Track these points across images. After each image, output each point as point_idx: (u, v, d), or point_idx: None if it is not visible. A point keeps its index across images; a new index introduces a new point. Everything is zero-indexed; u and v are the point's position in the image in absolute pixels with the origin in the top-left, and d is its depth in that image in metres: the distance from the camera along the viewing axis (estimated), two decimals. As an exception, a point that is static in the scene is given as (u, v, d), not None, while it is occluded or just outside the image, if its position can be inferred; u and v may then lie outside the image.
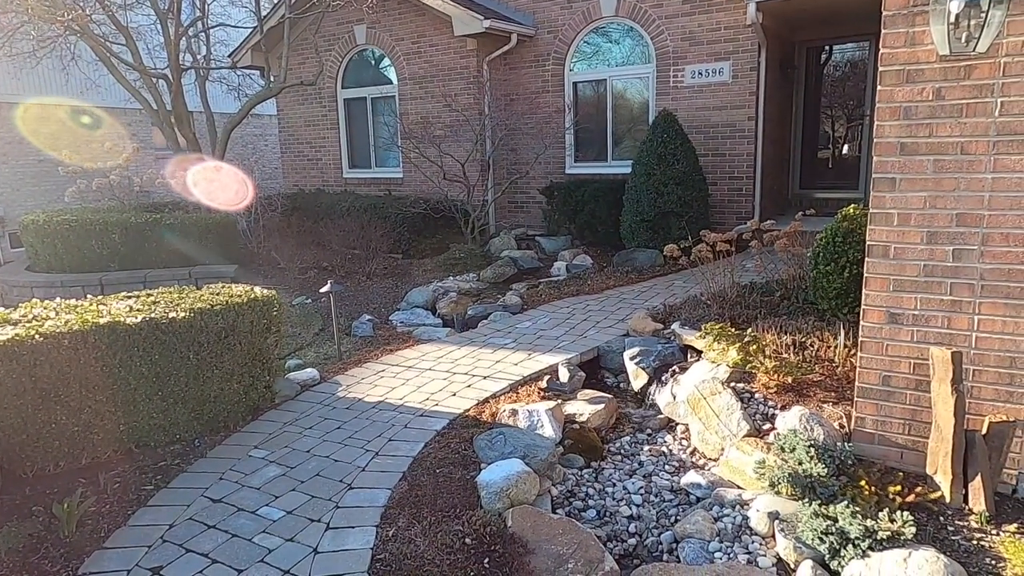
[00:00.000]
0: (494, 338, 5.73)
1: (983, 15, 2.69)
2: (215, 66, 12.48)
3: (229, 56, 12.32)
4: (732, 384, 4.05)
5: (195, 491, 3.43)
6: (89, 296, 4.21)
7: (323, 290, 5.50)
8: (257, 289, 4.48)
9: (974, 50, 2.81)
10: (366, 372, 5.10)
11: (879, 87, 3.12)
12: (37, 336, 3.31)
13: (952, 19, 2.76)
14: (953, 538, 2.84)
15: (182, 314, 3.83)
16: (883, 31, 3.07)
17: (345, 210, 9.89)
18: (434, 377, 4.88)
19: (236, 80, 14.65)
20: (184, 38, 12.05)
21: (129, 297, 4.18)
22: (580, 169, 10.15)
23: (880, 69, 3.11)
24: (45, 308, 3.82)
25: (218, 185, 9.01)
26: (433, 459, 3.67)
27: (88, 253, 8.77)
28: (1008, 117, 2.88)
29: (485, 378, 4.78)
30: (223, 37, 13.68)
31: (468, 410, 4.26)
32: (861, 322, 3.36)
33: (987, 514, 2.93)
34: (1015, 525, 2.88)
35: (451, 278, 8.10)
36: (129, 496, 3.39)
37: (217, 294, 4.27)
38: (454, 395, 4.51)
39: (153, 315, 3.75)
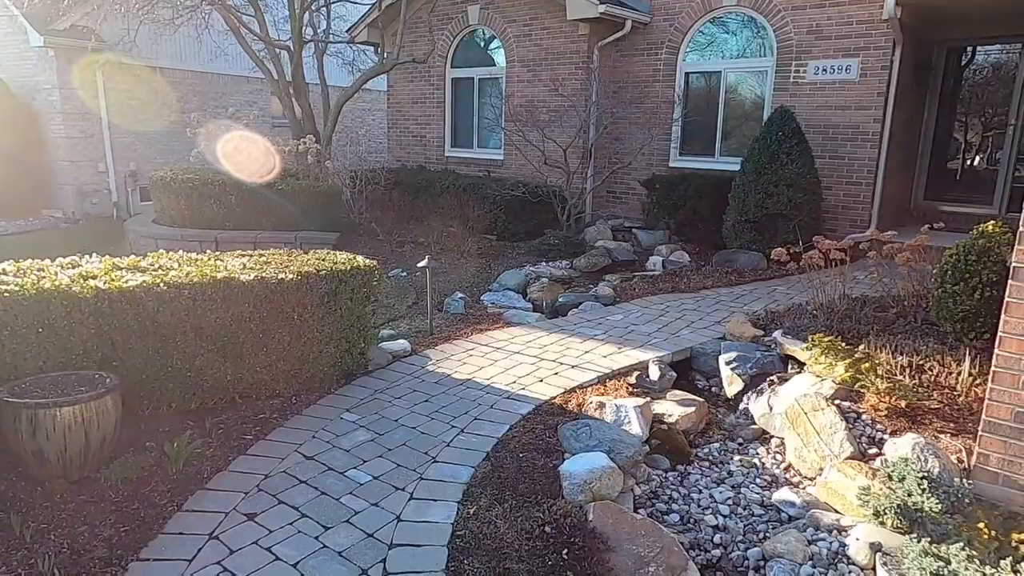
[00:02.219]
0: (584, 328, 5.66)
1: None
2: (333, 40, 12.93)
3: (347, 31, 12.72)
4: (837, 402, 3.81)
5: (290, 446, 3.59)
6: (208, 251, 4.47)
7: (420, 264, 5.60)
8: (359, 258, 4.61)
9: None
10: (456, 349, 5.17)
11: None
12: (162, 284, 3.54)
13: None
14: (1085, 600, 2.56)
15: (290, 276, 3.99)
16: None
17: (445, 188, 10.04)
18: (522, 361, 4.88)
19: (351, 55, 15.15)
20: (307, 12, 12.55)
21: (243, 255, 4.40)
22: (685, 163, 9.83)
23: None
24: (170, 259, 4.09)
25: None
26: (517, 442, 3.66)
27: (207, 211, 9.35)
28: None
29: (573, 367, 4.73)
30: (343, 13, 14.15)
31: (554, 397, 4.23)
32: (996, 350, 3.06)
33: None
34: None
35: (544, 263, 8.07)
36: (231, 443, 3.58)
37: (323, 260, 4.43)
38: (541, 381, 4.49)
39: (264, 274, 3.93)
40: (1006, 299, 3.01)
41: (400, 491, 3.19)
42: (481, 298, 6.90)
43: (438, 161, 12.10)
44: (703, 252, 8.35)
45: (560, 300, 6.65)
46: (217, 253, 4.44)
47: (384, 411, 4.04)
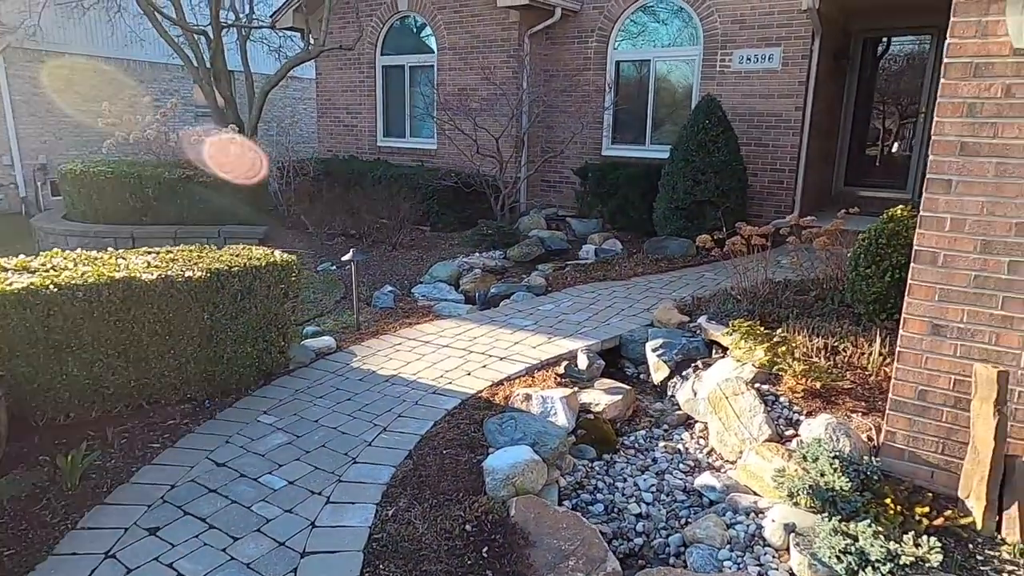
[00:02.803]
0: (515, 318, 5.62)
1: (1069, 6, 2.44)
2: (255, 25, 12.43)
3: (270, 16, 12.25)
4: (756, 385, 3.88)
5: (200, 452, 3.41)
6: (117, 248, 4.21)
7: (345, 258, 5.43)
8: (277, 253, 4.42)
9: (1054, 44, 2.56)
10: (383, 344, 5.04)
11: (943, 80, 2.88)
12: (52, 286, 3.29)
13: (1033, 9, 2.51)
14: (982, 568, 2.67)
15: (199, 273, 3.79)
16: (952, 19, 2.82)
17: (376, 178, 9.82)
18: (450, 354, 4.80)
19: (278, 41, 14.62)
20: (228, -5, 12.02)
21: (149, 253, 4.16)
22: (617, 151, 9.90)
23: (945, 61, 2.87)
24: (64, 258, 3.81)
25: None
26: (441, 439, 3.59)
27: (122, 205, 8.86)
28: (1085, 121, 2.63)
29: (502, 359, 4.67)
30: (267, -3, 13.62)
31: (481, 391, 4.17)
32: (900, 331, 3.16)
33: (1021, 546, 2.74)
34: (1051, 560, 2.69)
35: (477, 254, 7.99)
36: (135, 452, 3.38)
37: (236, 255, 4.23)
38: (469, 374, 4.42)
39: (170, 273, 3.71)
40: (909, 281, 3.10)
41: (316, 495, 3.07)
42: (412, 291, 6.77)
43: (370, 151, 11.83)
44: (635, 240, 8.43)
45: (492, 291, 6.59)
46: (121, 251, 4.17)
47: (304, 412, 3.89)
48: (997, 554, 2.75)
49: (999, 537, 2.82)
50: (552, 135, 10.24)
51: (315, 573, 2.56)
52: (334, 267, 7.51)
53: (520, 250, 7.95)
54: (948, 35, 2.85)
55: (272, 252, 4.42)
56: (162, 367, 3.72)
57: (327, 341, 4.96)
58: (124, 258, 3.96)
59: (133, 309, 3.54)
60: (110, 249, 4.13)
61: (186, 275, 3.74)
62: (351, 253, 5.37)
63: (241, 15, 12.68)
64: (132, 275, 3.57)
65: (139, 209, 8.84)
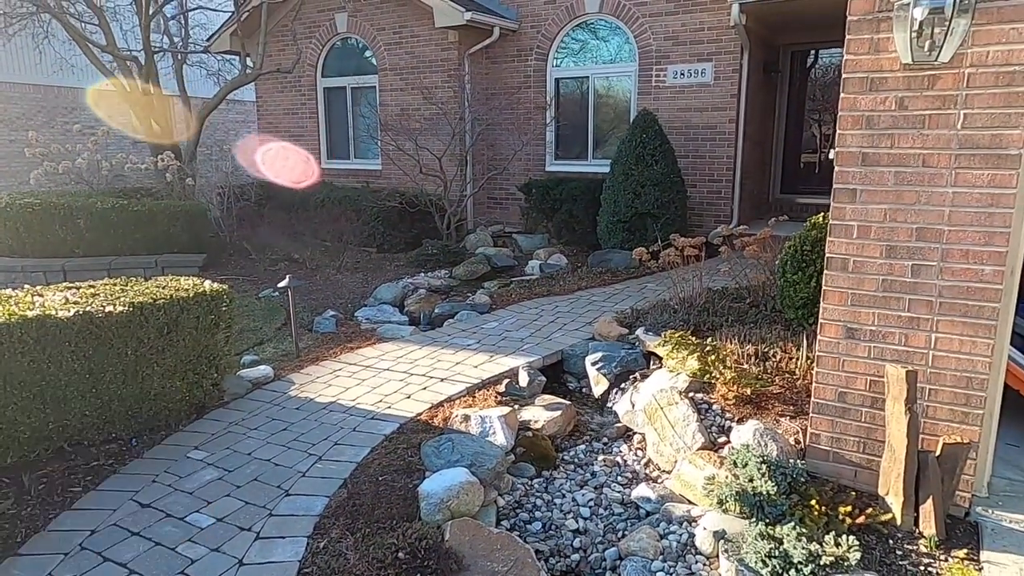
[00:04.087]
0: (458, 338, 5.61)
1: (947, 23, 2.59)
2: (189, 50, 12.22)
3: (207, 40, 12.06)
4: (690, 394, 3.95)
5: (124, 494, 3.29)
6: (47, 283, 4.04)
7: (281, 284, 5.35)
8: (207, 283, 4.32)
9: (937, 59, 2.71)
10: (322, 371, 4.96)
11: (842, 94, 3.01)
12: (-43, 328, 3.15)
13: (916, 27, 2.66)
14: (901, 563, 2.76)
15: (120, 308, 3.67)
16: (847, 37, 2.96)
17: (320, 201, 9.72)
18: (391, 378, 4.75)
19: (216, 65, 14.40)
20: (163, 20, 11.79)
21: (68, 288, 4.01)
22: (560, 167, 10.03)
23: (843, 76, 3.00)
24: (-26, 298, 3.65)
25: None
26: (377, 466, 3.54)
27: (52, 238, 8.54)
28: (971, 130, 2.78)
29: (442, 380, 4.65)
30: (203, 21, 13.42)
31: (420, 414, 4.14)
32: (818, 336, 3.27)
33: (937, 538, 2.84)
34: (964, 551, 2.80)
35: (423, 274, 7.96)
36: (54, 498, 3.23)
37: (162, 287, 4.12)
38: (408, 398, 4.39)
39: (88, 308, 3.59)
40: (823, 287, 3.22)
41: (246, 531, 2.98)
42: (355, 314, 6.70)
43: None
44: (580, 254, 8.53)
45: (436, 311, 6.57)
46: (38, 288, 4.02)
47: (237, 445, 3.79)
48: (915, 548, 2.84)
49: (917, 531, 2.92)
50: (496, 153, 10.31)
51: (240, 614, 2.49)
52: (275, 293, 7.38)
53: (466, 268, 7.96)
54: (844, 51, 2.99)
55: (202, 282, 4.32)
56: (83, 407, 3.58)
57: (264, 370, 4.86)
58: (40, 295, 3.82)
59: (48, 348, 3.40)
60: (26, 286, 3.96)
61: (106, 310, 3.62)
62: (287, 279, 5.29)
63: (176, 39, 12.44)
64: (47, 313, 3.43)
65: (70, 241, 8.54)
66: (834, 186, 3.12)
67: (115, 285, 4.13)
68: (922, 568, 2.72)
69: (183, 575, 2.70)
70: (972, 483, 3.03)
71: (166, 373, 3.91)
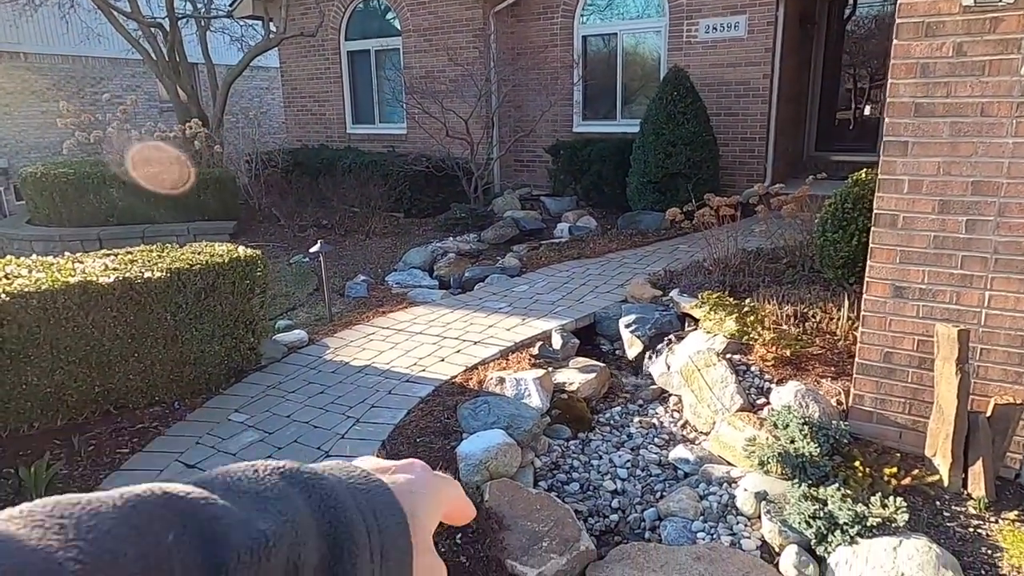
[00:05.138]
0: (489, 301, 5.59)
1: (1014, -40, 2.42)
2: (212, 15, 12.14)
3: (229, 5, 11.97)
4: (728, 356, 3.89)
5: (170, 455, 3.36)
6: (85, 251, 4.11)
7: (313, 250, 5.36)
8: (241, 248, 4.35)
9: (1001, 0, 2.55)
10: (355, 335, 4.99)
11: (895, 41, 2.86)
12: (3, 295, 3.20)
13: (979, -36, 2.50)
14: (948, 525, 2.71)
15: (158, 274, 3.71)
16: (903, -22, 2.80)
17: (346, 167, 9.68)
18: (424, 341, 4.77)
19: (239, 31, 14.31)
20: (185, -15, 11.71)
21: (107, 255, 4.06)
22: (588, 127, 9.84)
23: (897, 21, 2.85)
24: (18, 265, 3.72)
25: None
26: (414, 428, 3.57)
27: (86, 207, 8.68)
28: (1035, 76, 2.63)
29: (476, 343, 4.65)
30: (226, -15, 13.28)
31: (455, 377, 4.15)
32: (864, 295, 3.18)
33: (986, 500, 2.79)
34: (1015, 512, 2.74)
35: (451, 238, 7.93)
36: (103, 459, 3.33)
37: (198, 253, 4.15)
38: (442, 361, 4.40)
39: (128, 274, 3.63)
40: (870, 245, 3.11)
41: (289, 491, 3.04)
42: (386, 279, 6.72)
43: (340, 139, 11.66)
44: (609, 216, 8.41)
45: (466, 275, 6.55)
46: (78, 255, 4.07)
47: (276, 408, 3.85)
48: (963, 509, 2.79)
49: (965, 493, 2.86)
50: (522, 114, 10.14)
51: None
52: (306, 259, 7.42)
53: (494, 232, 7.91)
54: (899, -5, 2.83)
55: (236, 248, 4.34)
56: (127, 371, 3.66)
57: (299, 335, 4.91)
58: (80, 262, 3.87)
59: (91, 314, 3.46)
60: (66, 254, 4.02)
61: (145, 276, 3.66)
62: (319, 244, 5.30)
63: (199, 5, 12.36)
64: (88, 279, 3.48)
65: (104, 210, 8.66)
66: (884, 139, 2.99)
67: (152, 252, 4.17)
68: (971, 530, 2.67)
69: (231, 533, 2.76)
70: (1024, 444, 2.96)
71: (205, 337, 3.96)
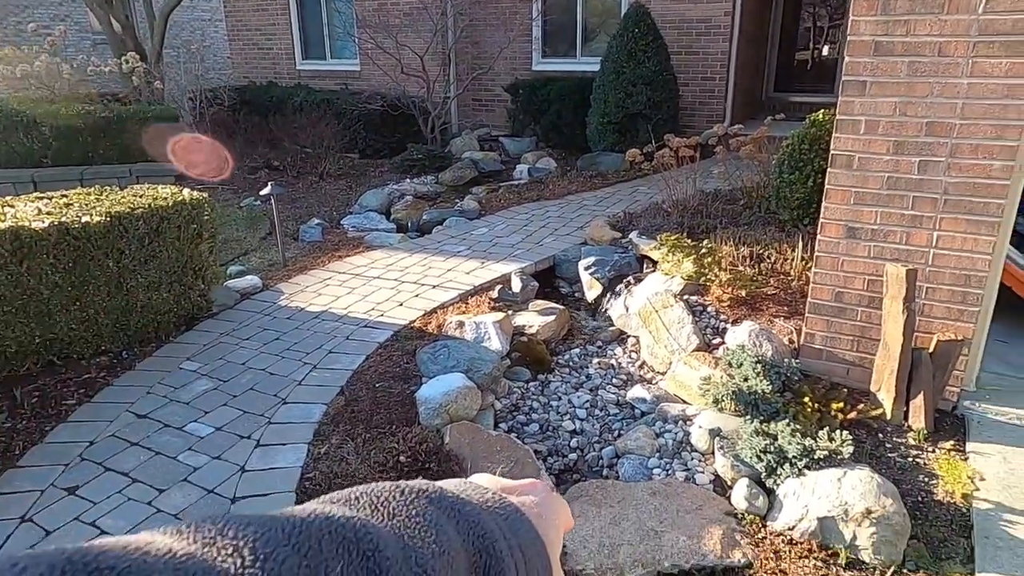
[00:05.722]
0: (448, 245, 5.52)
1: None
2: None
3: (164, -73, 11.09)
4: (685, 297, 3.94)
5: (120, 406, 3.27)
6: (17, 194, 3.86)
7: (263, 192, 5.16)
8: (186, 191, 4.15)
9: (965, -66, 2.51)
10: (311, 280, 4.88)
11: (858, -24, 2.81)
12: (-74, 242, 3.00)
13: None
14: (890, 455, 2.84)
15: (97, 218, 3.52)
16: (868, -91, 2.73)
17: (297, 105, 9.29)
18: (381, 286, 4.69)
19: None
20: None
21: (40, 199, 3.83)
22: (547, 66, 9.60)
23: (861, -45, 2.79)
24: (-58, 210, 3.48)
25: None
26: (373, 373, 3.54)
27: (17, 147, 8.15)
28: (992, 15, 2.62)
29: (434, 287, 4.60)
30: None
31: (414, 321, 4.11)
32: (818, 236, 3.22)
33: (925, 432, 2.92)
34: (951, 442, 2.88)
35: (408, 180, 7.75)
36: (48, 411, 3.22)
37: (139, 196, 3.94)
38: (401, 305, 4.35)
39: (64, 219, 3.44)
40: (826, 186, 3.14)
41: (245, 440, 3.00)
42: (341, 222, 6.55)
43: (289, 76, 11.15)
44: (569, 157, 8.32)
45: (424, 218, 6.44)
46: (8, 198, 3.83)
47: (230, 355, 3.76)
48: (904, 441, 2.92)
49: (906, 425, 3.00)
50: (480, 51, 9.81)
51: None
52: (257, 202, 7.17)
53: (452, 174, 7.75)
54: (864, -73, 2.76)
55: (180, 190, 4.14)
56: (69, 320, 3.50)
57: (252, 280, 4.78)
58: (11, 206, 3.64)
59: (26, 261, 3.28)
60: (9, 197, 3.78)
61: (83, 221, 3.47)
62: (270, 186, 5.10)
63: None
64: (20, 224, 3.28)
65: (37, 151, 8.15)
66: (843, 78, 2.98)
67: (89, 195, 3.95)
68: (911, 459, 2.81)
69: (186, 482, 2.72)
70: (962, 378, 3.09)
71: (151, 285, 3.81)
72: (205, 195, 4.20)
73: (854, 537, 2.38)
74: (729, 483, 2.75)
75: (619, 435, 3.26)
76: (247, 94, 10.14)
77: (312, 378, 3.50)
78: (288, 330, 4.06)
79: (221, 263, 5.15)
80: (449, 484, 0.39)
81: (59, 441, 2.99)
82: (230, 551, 0.26)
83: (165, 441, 2.99)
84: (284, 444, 2.96)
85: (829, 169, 3.10)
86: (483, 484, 0.41)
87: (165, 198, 3.94)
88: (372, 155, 9.05)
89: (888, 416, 3.01)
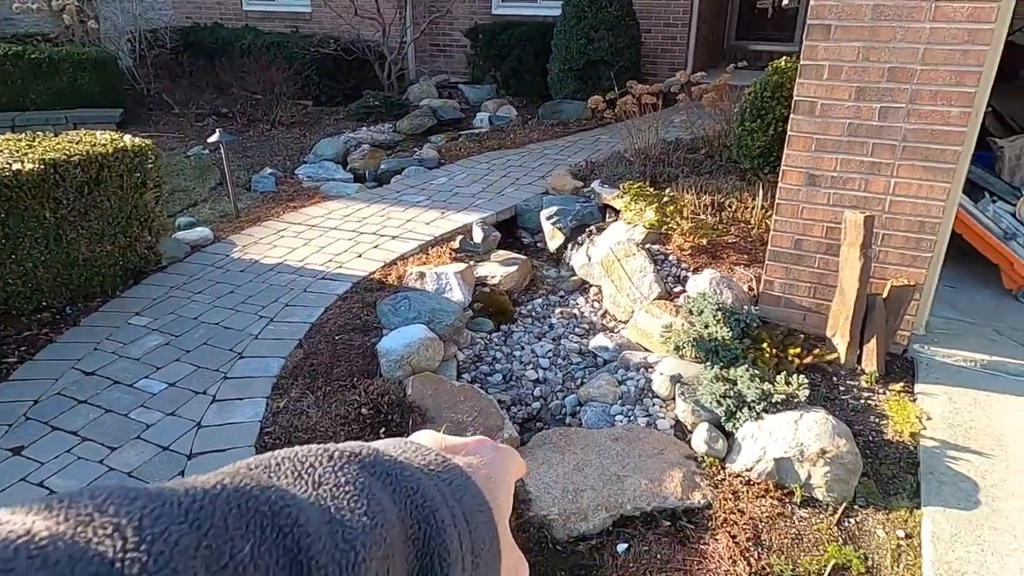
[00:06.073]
0: (407, 195, 5.39)
1: None
2: None
3: None
4: (647, 246, 3.93)
5: (65, 363, 3.14)
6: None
7: (211, 139, 4.92)
8: (127, 137, 3.92)
9: None
10: (265, 231, 4.72)
11: (827, -86, 2.74)
12: None
13: None
14: (843, 398, 2.93)
15: (30, 165, 3.30)
16: None
17: (245, 48, 8.83)
18: (339, 237, 4.57)
19: None
20: None
21: (-35, 145, 3.57)
22: (508, 9, 9.30)
23: None
24: None
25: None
26: (332, 325, 3.46)
27: (-61, 91, 7.59)
28: (958, -44, 2.59)
29: (394, 238, 4.50)
30: None
31: (373, 273, 4.02)
32: (779, 184, 3.23)
33: (877, 374, 3.01)
34: (901, 384, 2.98)
35: (364, 129, 7.50)
36: (-12, 370, 3.07)
37: (76, 142, 3.71)
38: (360, 256, 4.24)
39: (-8, 167, 3.21)
40: (788, 133, 3.12)
41: (201, 395, 2.92)
42: (296, 172, 6.33)
43: (235, 17, 10.56)
44: (530, 105, 8.15)
45: (382, 167, 6.26)
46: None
47: (181, 309, 3.63)
48: (857, 383, 3.01)
49: (859, 368, 3.08)
50: (437, -8, 9.44)
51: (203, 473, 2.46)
52: (206, 151, 6.86)
53: (411, 122, 7.53)
54: None
55: (121, 136, 3.91)
56: (4, 274, 3.31)
57: (203, 232, 4.59)
58: (-67, 152, 3.39)
59: (-48, 211, 3.07)
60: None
61: (14, 168, 3.25)
62: (218, 133, 4.86)
63: None
64: (-57, 172, 3.06)
65: (-38, 95, 7.61)
66: (808, 22, 2.93)
67: (20, 141, 3.69)
68: (863, 401, 2.90)
69: (140, 440, 2.64)
70: (913, 322, 3.18)
71: (93, 236, 3.62)
72: (149, 142, 3.98)
73: (809, 476, 2.45)
74: (690, 428, 2.80)
75: (582, 383, 3.28)
76: (191, 36, 9.61)
77: (269, 332, 3.41)
78: (242, 283, 3.93)
79: (169, 214, 4.93)
80: (388, 445, 0.34)
81: (1, 401, 2.86)
82: (109, 530, 0.21)
83: (116, 398, 2.88)
84: (241, 399, 2.89)
85: (792, 115, 3.08)
86: (425, 443, 0.36)
87: (104, 145, 3.72)
88: (326, 102, 8.72)
89: (842, 360, 3.09)
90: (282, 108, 7.97)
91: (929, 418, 2.79)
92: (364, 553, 0.26)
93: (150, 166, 3.91)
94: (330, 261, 4.19)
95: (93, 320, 3.52)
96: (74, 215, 3.50)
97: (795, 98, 3.06)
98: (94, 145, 3.69)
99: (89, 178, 3.53)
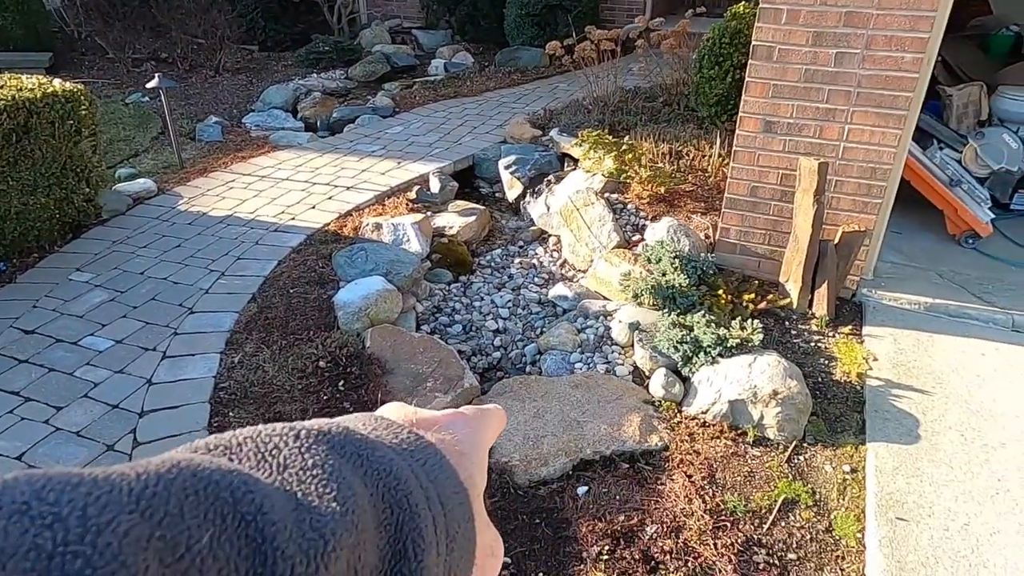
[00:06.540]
0: (361, 144, 5.23)
1: None
2: None
3: None
4: (606, 195, 3.92)
5: (2, 322, 2.99)
6: None
7: (150, 85, 4.66)
8: (57, 82, 3.67)
9: None
10: (212, 183, 4.54)
11: None
12: None
13: None
14: (795, 341, 3.01)
15: (-51, 112, 3.07)
16: None
17: (183, -12, 8.32)
18: (291, 188, 4.42)
19: None
20: None
21: None
22: (462, -50, 8.94)
23: None
24: None
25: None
26: (287, 278, 3.38)
27: None
28: None
29: (348, 189, 4.38)
30: None
31: (328, 224, 3.92)
32: (737, 130, 3.23)
33: (827, 318, 3.10)
34: (849, 327, 3.08)
35: (315, 75, 7.22)
36: (-83, 330, 2.90)
37: (0, 87, 3.46)
38: (313, 208, 4.13)
39: (-94, 112, 2.98)
40: (746, 79, 3.11)
41: (150, 352, 2.83)
42: (243, 121, 6.07)
43: (172, -46, 9.89)
44: (487, 52, 7.94)
45: (335, 116, 6.05)
46: None
47: (125, 264, 3.49)
48: (808, 327, 3.10)
49: (811, 313, 3.16)
50: (388, -69, 9.01)
51: (157, 431, 2.41)
52: (145, 98, 6.51)
53: (363, 68, 7.26)
54: None
55: (50, 81, 3.66)
56: (-71, 229, 3.12)
57: (145, 184, 4.39)
58: None
59: None
60: None
61: (-69, 114, 3.02)
62: (157, 79, 4.60)
63: None
64: None
65: None
66: (768, -37, 2.88)
67: (-64, 84, 3.42)
68: (813, 344, 2.98)
69: (87, 398, 2.56)
70: (862, 267, 3.27)
71: (24, 188, 3.42)
72: (81, 87, 3.74)
73: (761, 417, 2.53)
74: (647, 373, 2.85)
75: (541, 332, 3.29)
76: (123, -26, 8.97)
77: (220, 286, 3.31)
78: (190, 236, 3.79)
79: (108, 166, 4.69)
80: (357, 421, 0.31)
81: (-67, 362, 2.73)
82: (48, 520, 0.18)
83: (59, 357, 2.77)
84: (193, 355, 2.81)
85: (750, 61, 3.06)
86: (396, 418, 0.33)
87: (32, 89, 3.48)
88: (273, 47, 8.34)
89: (795, 305, 3.17)
90: (226, 53, 7.60)
91: (875, 359, 2.89)
92: (334, 542, 0.24)
93: (84, 113, 3.68)
94: (282, 213, 4.06)
95: (30, 276, 3.35)
96: (2, 165, 3.28)
97: (753, 43, 3.03)
98: (20, 90, 3.45)
99: (16, 125, 3.30)
